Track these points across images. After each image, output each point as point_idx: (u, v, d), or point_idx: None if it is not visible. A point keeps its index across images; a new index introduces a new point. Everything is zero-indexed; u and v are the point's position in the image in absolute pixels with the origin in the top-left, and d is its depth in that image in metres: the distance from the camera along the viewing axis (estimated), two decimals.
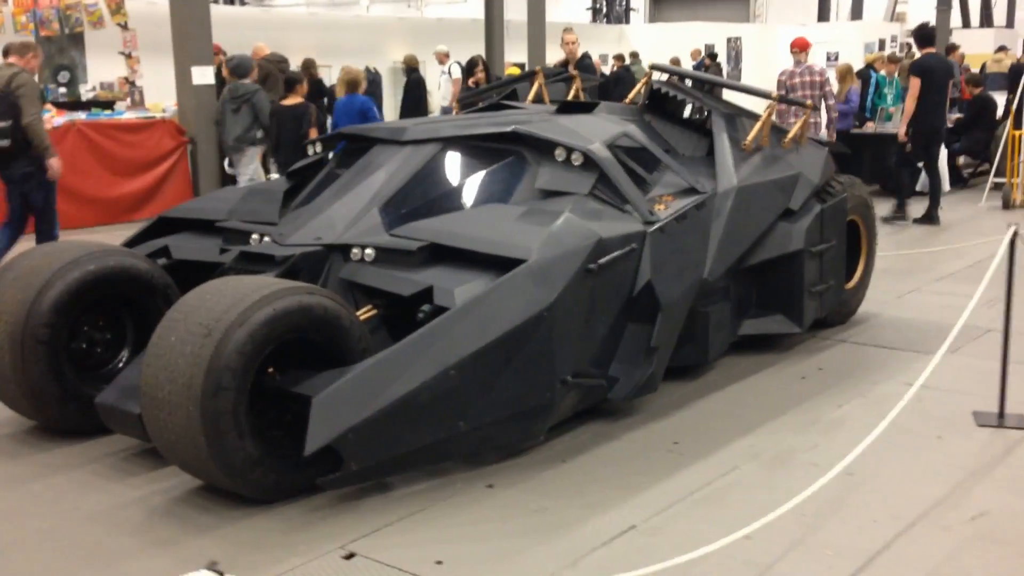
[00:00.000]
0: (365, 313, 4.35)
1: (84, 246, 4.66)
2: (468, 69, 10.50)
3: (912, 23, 26.42)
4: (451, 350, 3.89)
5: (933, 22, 20.46)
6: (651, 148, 5.34)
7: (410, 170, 5.00)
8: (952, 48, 18.12)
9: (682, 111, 6.13)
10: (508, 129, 5.02)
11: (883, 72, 14.34)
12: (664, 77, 6.11)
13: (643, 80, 6.11)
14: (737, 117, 5.89)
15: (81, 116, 11.52)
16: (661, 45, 23.11)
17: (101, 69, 14.63)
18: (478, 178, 4.97)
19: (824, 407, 4.90)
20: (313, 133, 9.19)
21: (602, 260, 4.38)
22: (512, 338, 4.02)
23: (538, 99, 6.64)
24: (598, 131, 5.18)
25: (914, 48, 14.72)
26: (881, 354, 5.80)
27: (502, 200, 4.83)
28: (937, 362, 4.30)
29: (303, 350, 3.93)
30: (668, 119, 5.96)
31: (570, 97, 6.87)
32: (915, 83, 9.94)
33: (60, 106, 12.39)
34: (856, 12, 26.97)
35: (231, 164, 10.70)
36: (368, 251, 4.54)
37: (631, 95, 6.18)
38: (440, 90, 14.98)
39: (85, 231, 10.11)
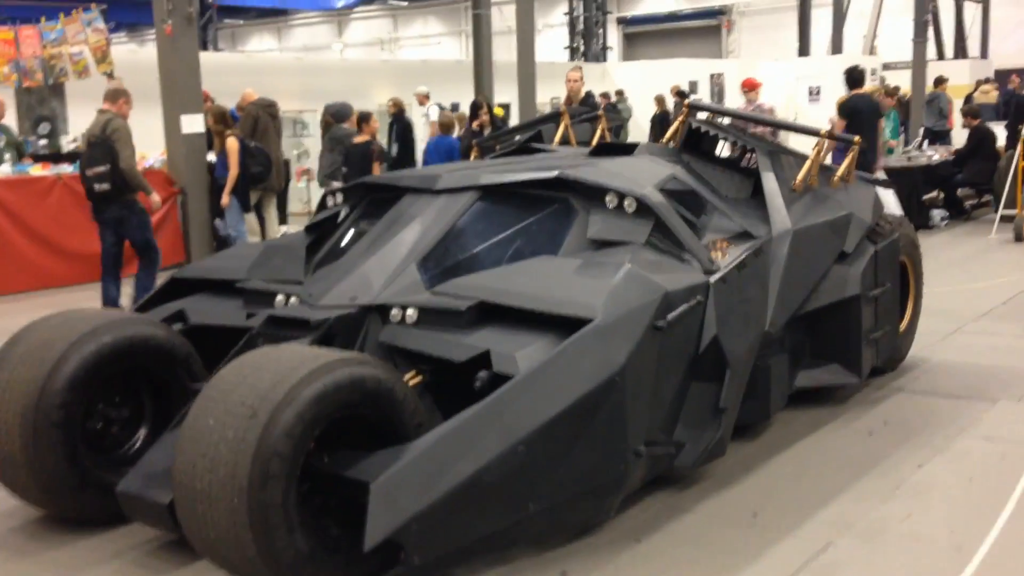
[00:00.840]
0: (410, 380, 3.96)
1: (98, 315, 4.25)
2: (472, 112, 10.18)
3: (885, 57, 26.50)
4: (519, 423, 3.51)
5: (909, 54, 20.53)
6: (700, 191, 5.01)
7: (447, 221, 4.63)
8: (940, 80, 18.06)
9: (718, 151, 5.80)
10: (552, 175, 4.67)
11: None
12: (701, 115, 5.79)
13: (680, 119, 5.78)
14: (782, 155, 5.57)
15: (67, 169, 11.10)
16: (645, 82, 22.95)
17: (83, 120, 14.19)
18: (522, 228, 4.61)
19: (903, 467, 4.53)
20: (377, 168, 9.50)
21: (670, 316, 4.02)
22: (583, 406, 3.64)
23: (564, 140, 6.31)
24: (645, 174, 4.84)
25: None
26: (944, 404, 5.45)
27: (550, 252, 4.47)
28: (1006, 410, 3.95)
29: (350, 426, 3.54)
30: (707, 159, 5.63)
31: (596, 139, 6.55)
32: (840, 124, 10.28)
33: (42, 159, 11.97)
34: (836, 47, 26.98)
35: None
36: (410, 312, 4.15)
37: (668, 135, 5.84)
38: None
39: (75, 288, 9.66)
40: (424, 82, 17.35)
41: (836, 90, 18.94)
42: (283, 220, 12.70)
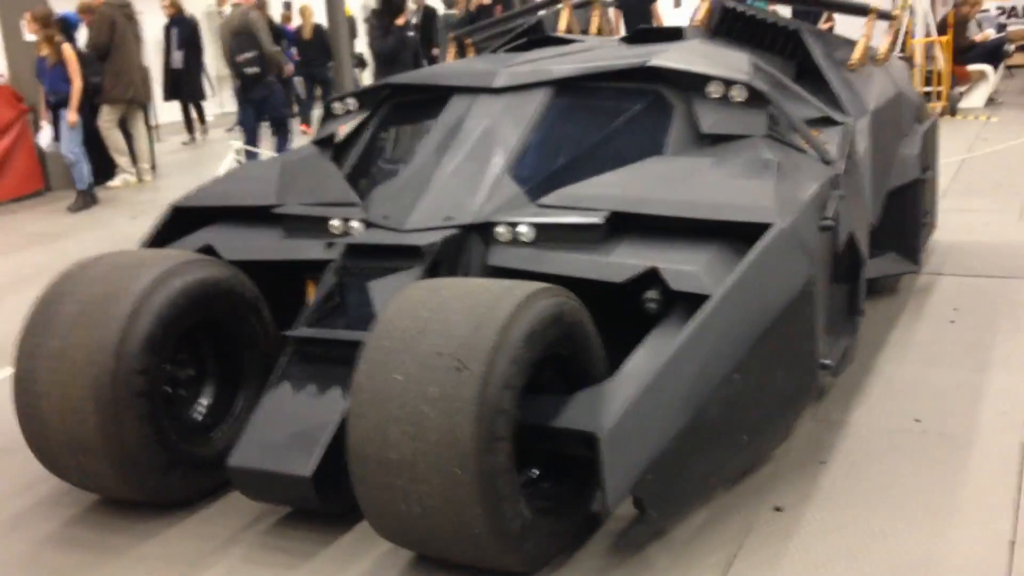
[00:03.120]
0: None
1: (155, 258, 3.48)
2: (394, 7, 9.27)
3: None
4: (729, 347, 3.06)
5: None
6: (779, 76, 4.60)
7: (527, 123, 4.04)
8: None
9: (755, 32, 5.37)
10: (641, 63, 4.14)
11: None
12: None
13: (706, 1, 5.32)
14: (823, 35, 5.23)
15: None
16: None
17: None
18: (616, 127, 4.08)
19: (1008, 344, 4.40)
20: None
21: (830, 214, 3.64)
22: (783, 321, 3.24)
23: (568, 30, 5.74)
24: (732, 60, 4.38)
25: None
26: (993, 284, 5.36)
27: (654, 151, 3.97)
28: None
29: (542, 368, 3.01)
30: (745, 42, 5.21)
31: (594, 28, 6.00)
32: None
33: None
34: None
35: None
36: (523, 229, 3.58)
37: (698, 17, 5.36)
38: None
39: None
40: None
41: None
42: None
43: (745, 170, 3.64)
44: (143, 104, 11.16)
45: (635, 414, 2.82)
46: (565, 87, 4.19)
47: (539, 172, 3.91)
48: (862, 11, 5.25)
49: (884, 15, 5.60)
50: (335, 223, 3.91)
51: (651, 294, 3.29)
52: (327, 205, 4.04)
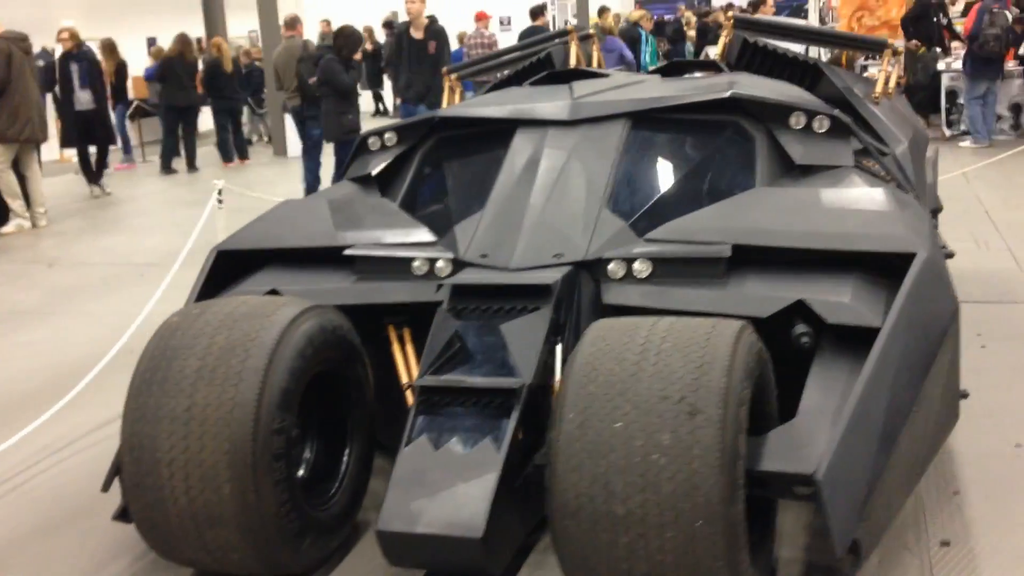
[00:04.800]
0: None
1: (270, 303, 3.16)
2: (351, 42, 8.97)
3: None
4: (907, 381, 3.01)
5: None
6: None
7: (612, 157, 3.91)
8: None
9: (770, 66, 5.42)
10: (725, 94, 4.08)
11: (646, 30, 14.45)
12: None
13: (726, 34, 5.33)
14: (837, 68, 5.31)
15: None
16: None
17: None
18: (704, 158, 4.00)
19: None
20: None
21: (942, 243, 3.65)
22: (941, 351, 3.21)
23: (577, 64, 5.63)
24: (794, 91, 4.38)
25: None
26: (995, 309, 5.53)
27: (744, 182, 3.90)
28: None
29: None
30: (763, 75, 5.24)
31: (572, 63, 5.91)
32: None
33: None
34: None
35: None
36: (639, 265, 3.45)
37: (719, 50, 5.36)
38: None
39: None
40: (127, 13, 15.43)
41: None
42: None
43: (863, 200, 3.60)
44: (39, 144, 10.42)
45: (844, 453, 2.71)
46: (641, 119, 4.08)
47: (636, 206, 3.78)
48: (880, 48, 5.36)
49: (897, 51, 5.75)
50: (417, 264, 3.67)
51: (801, 328, 3.18)
52: (402, 246, 3.79)
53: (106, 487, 3.27)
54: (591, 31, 5.92)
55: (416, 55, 9.20)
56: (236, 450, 2.82)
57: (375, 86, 21.83)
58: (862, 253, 3.32)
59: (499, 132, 4.24)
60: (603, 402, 2.60)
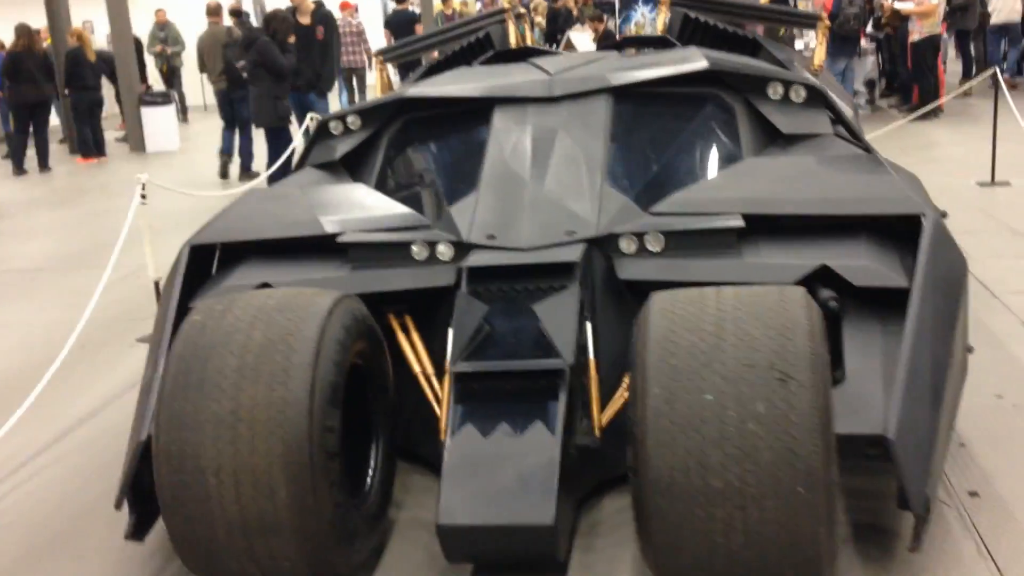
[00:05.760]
0: None
1: (300, 294, 2.97)
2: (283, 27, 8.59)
3: None
4: (942, 338, 3.09)
5: None
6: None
7: (602, 132, 3.87)
8: None
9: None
10: (702, 66, 4.08)
11: None
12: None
13: (663, 10, 5.35)
14: (772, 40, 5.42)
15: None
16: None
17: None
18: (691, 130, 4.00)
19: None
20: None
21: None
22: (962, 308, 3.31)
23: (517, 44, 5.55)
24: (752, 64, 4.42)
25: None
26: None
27: (732, 153, 3.93)
28: None
29: None
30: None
31: (513, 42, 5.84)
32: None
33: None
34: None
35: None
36: (650, 239, 3.43)
37: (659, 26, 5.37)
38: None
39: None
40: None
41: None
42: None
43: (859, 166, 3.67)
44: None
45: (907, 412, 2.75)
46: (622, 94, 4.05)
47: (633, 181, 3.76)
48: (812, 21, 5.48)
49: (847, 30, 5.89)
50: (416, 248, 3.54)
51: (828, 292, 3.21)
52: (395, 230, 3.65)
53: (119, 504, 3.02)
54: (522, 10, 5.83)
55: (304, 42, 8.89)
56: (291, 452, 2.64)
57: None
58: (874, 217, 3.38)
59: (472, 111, 4.14)
60: (688, 375, 2.55)
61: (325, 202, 3.89)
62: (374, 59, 5.80)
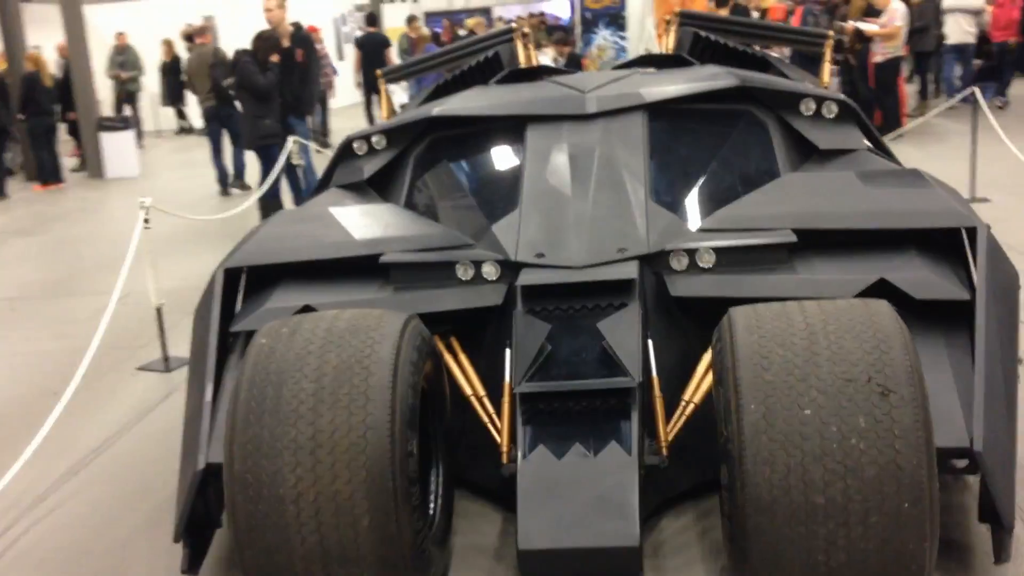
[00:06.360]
0: None
1: (367, 316, 2.87)
2: (268, 45, 8.43)
3: None
4: (1007, 348, 3.09)
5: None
6: None
7: (641, 149, 3.83)
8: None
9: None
10: (734, 83, 4.07)
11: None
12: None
13: (673, 29, 5.35)
14: (780, 59, 5.45)
15: None
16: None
17: None
18: (728, 146, 3.98)
19: None
20: None
21: None
22: (1018, 319, 3.32)
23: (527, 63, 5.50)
24: (784, 81, 4.43)
25: None
26: None
27: (768, 168, 3.92)
28: None
29: None
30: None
31: (522, 61, 5.80)
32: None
33: None
34: None
35: None
36: (702, 255, 3.39)
37: (671, 45, 5.36)
38: None
39: None
40: None
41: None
42: None
43: (899, 180, 3.68)
44: None
45: (991, 424, 2.74)
46: (657, 110, 4.02)
47: (676, 197, 3.73)
48: (820, 40, 5.51)
49: (841, 47, 5.93)
50: (461, 269, 3.47)
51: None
52: (438, 251, 3.58)
53: (177, 537, 2.90)
54: (526, 30, 5.79)
55: (284, 64, 8.76)
56: (374, 478, 2.54)
57: (176, 102, 20.76)
58: (927, 230, 3.38)
59: (502, 130, 4.08)
60: (785, 390, 2.51)
61: (360, 223, 3.80)
62: (380, 79, 5.70)
